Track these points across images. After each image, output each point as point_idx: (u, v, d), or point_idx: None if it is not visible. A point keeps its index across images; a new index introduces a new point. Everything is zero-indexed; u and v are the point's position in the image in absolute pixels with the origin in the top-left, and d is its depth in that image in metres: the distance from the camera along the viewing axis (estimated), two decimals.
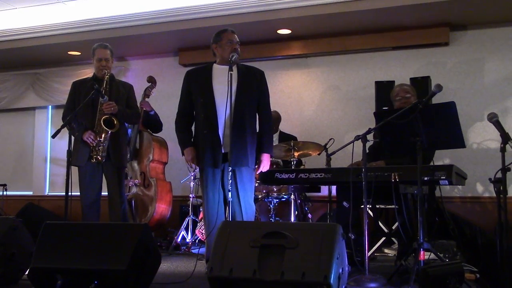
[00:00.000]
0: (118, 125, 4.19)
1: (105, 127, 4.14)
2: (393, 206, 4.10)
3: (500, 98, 5.46)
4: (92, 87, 4.05)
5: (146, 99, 5.71)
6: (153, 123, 5.72)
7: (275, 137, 5.40)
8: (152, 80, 5.80)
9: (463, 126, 3.26)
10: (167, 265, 4.10)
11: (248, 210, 3.53)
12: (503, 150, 3.13)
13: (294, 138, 5.43)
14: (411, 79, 5.39)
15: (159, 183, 5.48)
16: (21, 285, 3.19)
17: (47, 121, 7.33)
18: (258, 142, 3.66)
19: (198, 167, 3.64)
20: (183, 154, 3.68)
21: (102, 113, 4.17)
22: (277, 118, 5.53)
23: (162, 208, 5.43)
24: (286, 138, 5.33)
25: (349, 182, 3.38)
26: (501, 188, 3.15)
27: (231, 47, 3.55)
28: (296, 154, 4.69)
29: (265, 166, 3.66)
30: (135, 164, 5.55)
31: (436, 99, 3.51)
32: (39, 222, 3.08)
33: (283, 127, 5.67)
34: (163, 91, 6.42)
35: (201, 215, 4.97)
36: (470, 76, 5.58)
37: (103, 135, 4.17)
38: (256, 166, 3.69)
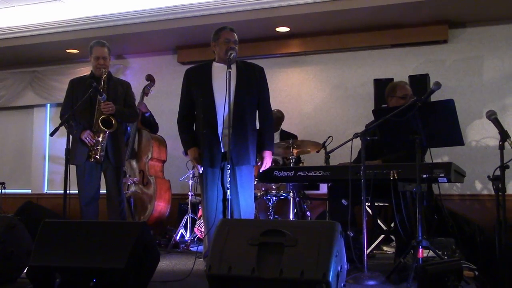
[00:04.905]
0: (116, 125, 4.17)
1: (103, 127, 4.13)
2: (387, 204, 4.11)
3: (499, 96, 5.46)
4: (90, 85, 4.04)
5: (145, 97, 5.72)
6: (148, 124, 5.72)
7: (276, 136, 5.40)
8: (150, 79, 5.81)
9: (461, 124, 3.27)
10: (166, 263, 4.10)
11: (247, 209, 3.52)
12: (501, 147, 3.14)
13: (295, 137, 5.44)
14: (410, 76, 5.39)
15: (158, 181, 5.47)
16: (19, 283, 3.18)
17: (45, 119, 7.32)
18: (259, 140, 3.65)
19: (203, 167, 3.62)
20: (186, 154, 3.68)
21: (100, 112, 4.16)
22: (280, 117, 5.54)
23: (161, 206, 5.43)
24: (286, 136, 5.33)
25: (346, 180, 3.38)
26: (500, 186, 3.16)
27: (227, 46, 3.53)
28: (295, 151, 4.70)
29: (267, 163, 3.66)
30: (134, 162, 5.55)
31: (434, 97, 3.50)
32: (38, 220, 3.07)
33: (282, 125, 5.67)
34: (162, 89, 6.42)
35: (200, 213, 4.97)
36: (469, 73, 5.58)
37: (101, 135, 4.16)
38: (259, 164, 3.69)
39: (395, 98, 4.03)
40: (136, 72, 6.71)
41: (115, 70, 6.53)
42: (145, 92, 5.75)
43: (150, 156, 5.51)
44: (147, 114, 5.72)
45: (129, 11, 5.86)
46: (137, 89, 5.55)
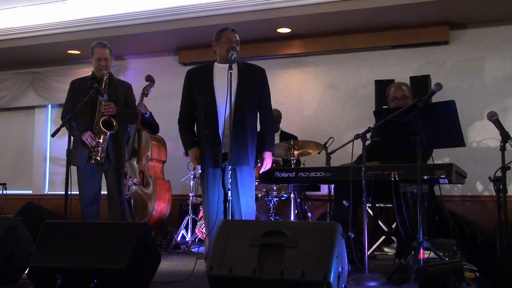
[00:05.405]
0: (117, 127, 4.18)
1: (104, 129, 4.13)
2: (388, 205, 4.11)
3: (500, 97, 5.46)
4: (92, 86, 4.04)
5: (145, 98, 5.71)
6: (148, 125, 5.72)
7: (276, 136, 5.40)
8: (150, 79, 5.80)
9: (463, 125, 3.26)
10: (167, 264, 4.10)
11: (248, 209, 3.52)
12: (502, 148, 3.14)
13: (295, 138, 5.43)
14: (411, 77, 5.39)
15: (157, 181, 5.48)
16: (20, 284, 3.18)
17: (46, 120, 7.33)
18: (259, 141, 3.65)
19: (204, 167, 3.62)
20: (187, 155, 3.68)
21: (101, 113, 4.16)
22: (278, 116, 5.53)
23: (161, 207, 5.44)
24: (287, 137, 5.33)
25: (348, 181, 3.37)
26: (501, 187, 3.16)
27: (228, 45, 3.55)
28: (296, 152, 4.70)
29: (267, 164, 3.66)
30: (134, 163, 5.55)
31: (436, 98, 3.50)
32: (39, 221, 3.08)
33: (283, 126, 5.67)
34: (163, 90, 6.43)
35: (200, 214, 4.97)
36: (470, 74, 5.58)
37: (102, 136, 4.16)
38: (258, 165, 3.69)
39: (389, 100, 4.05)
40: (137, 73, 6.71)
41: (116, 70, 6.53)
42: (145, 93, 5.74)
43: (149, 157, 5.51)
44: (146, 115, 5.71)
45: (130, 12, 5.86)
46: (138, 90, 5.56)
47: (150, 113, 5.79)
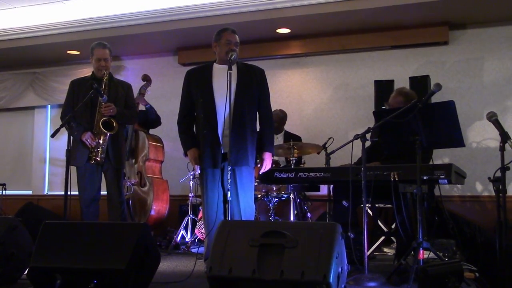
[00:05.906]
0: (117, 128, 4.17)
1: (104, 130, 4.12)
2: (388, 205, 4.12)
3: (500, 97, 5.46)
4: (92, 86, 4.04)
5: (141, 98, 5.70)
6: (150, 122, 5.69)
7: (280, 137, 5.40)
8: (147, 79, 5.77)
9: (462, 125, 3.27)
10: (167, 265, 4.10)
11: (247, 210, 3.51)
12: (502, 149, 3.14)
13: (299, 138, 5.41)
14: (411, 78, 5.40)
15: (155, 181, 5.47)
16: (20, 284, 3.18)
17: (46, 121, 7.33)
18: (259, 141, 3.65)
19: (203, 167, 3.62)
20: (186, 155, 3.68)
21: (101, 114, 4.16)
22: (284, 117, 5.53)
23: (159, 207, 5.44)
24: (290, 138, 5.31)
25: (348, 181, 3.37)
26: (500, 187, 3.16)
27: (227, 48, 3.53)
28: (296, 153, 4.69)
29: (267, 165, 3.65)
30: (131, 164, 5.54)
31: (435, 98, 3.50)
32: (38, 222, 3.08)
33: (285, 126, 5.67)
34: (163, 90, 6.43)
35: (200, 215, 4.97)
36: (469, 75, 5.59)
37: (101, 137, 4.16)
38: (258, 165, 3.69)
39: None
40: (137, 74, 6.68)
41: (116, 71, 6.53)
42: (141, 93, 5.68)
43: (147, 157, 5.51)
44: (147, 106, 5.66)
45: (130, 13, 5.87)
46: (137, 91, 5.56)
47: (150, 105, 5.73)
